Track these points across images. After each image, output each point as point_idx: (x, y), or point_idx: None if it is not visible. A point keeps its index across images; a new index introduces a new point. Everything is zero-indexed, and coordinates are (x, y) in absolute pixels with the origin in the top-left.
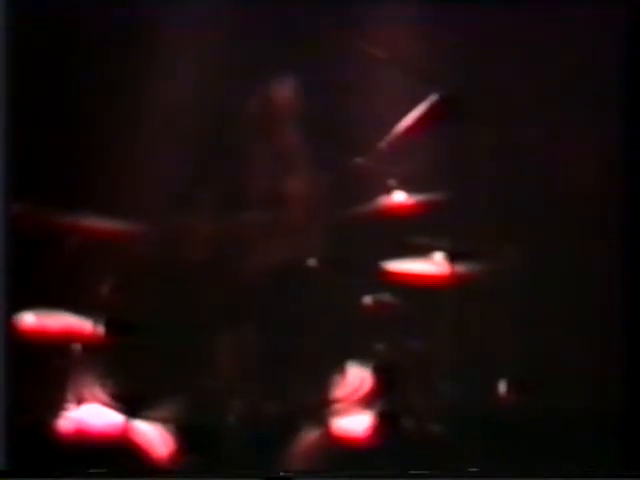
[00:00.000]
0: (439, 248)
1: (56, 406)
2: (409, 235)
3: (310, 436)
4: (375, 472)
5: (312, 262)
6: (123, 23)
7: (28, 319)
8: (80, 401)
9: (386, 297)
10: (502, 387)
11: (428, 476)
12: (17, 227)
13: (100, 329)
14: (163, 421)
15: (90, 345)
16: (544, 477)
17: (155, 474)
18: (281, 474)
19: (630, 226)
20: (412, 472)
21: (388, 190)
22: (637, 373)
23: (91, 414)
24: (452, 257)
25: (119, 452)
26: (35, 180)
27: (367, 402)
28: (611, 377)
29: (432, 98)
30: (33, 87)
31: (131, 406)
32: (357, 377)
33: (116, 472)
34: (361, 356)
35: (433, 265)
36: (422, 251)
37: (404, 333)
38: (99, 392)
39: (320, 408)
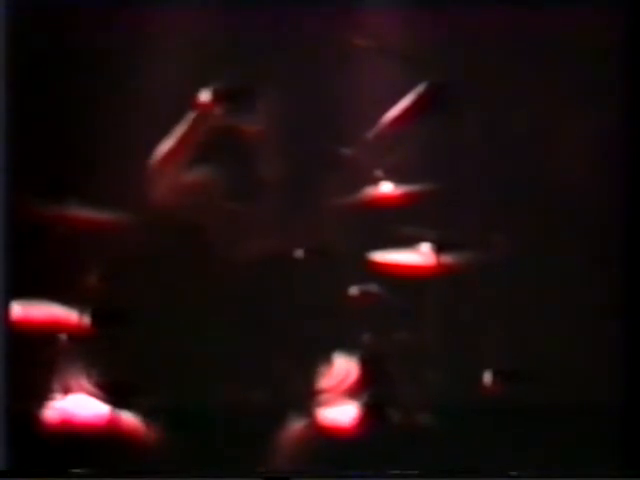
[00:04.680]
0: (426, 239)
1: (42, 397)
2: (396, 225)
3: (296, 426)
4: (374, 471)
5: (298, 253)
6: (118, 24)
7: (14, 310)
8: (66, 391)
9: (373, 288)
10: (488, 378)
11: (427, 475)
12: (14, 219)
13: (86, 319)
14: (149, 411)
15: (76, 335)
16: (540, 476)
17: (155, 474)
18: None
19: (622, 214)
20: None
21: (375, 180)
22: (633, 364)
23: (77, 404)
24: (439, 248)
25: (105, 443)
26: (24, 171)
27: (353, 393)
28: (605, 369)
29: (420, 88)
30: (29, 86)
31: (117, 396)
32: (343, 368)
33: (114, 472)
34: (347, 347)
35: (420, 256)
36: (409, 242)
37: (391, 324)
38: (85, 382)
39: (306, 398)
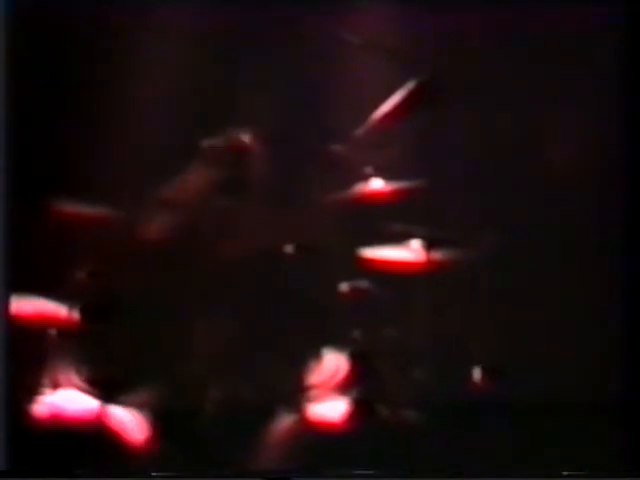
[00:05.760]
0: (416, 235)
1: (31, 391)
2: (386, 222)
3: (285, 422)
4: (375, 472)
5: (289, 249)
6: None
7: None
8: (56, 386)
9: (363, 284)
10: (477, 375)
11: (430, 475)
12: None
13: (76, 314)
14: (139, 406)
15: (66, 331)
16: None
17: (148, 472)
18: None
19: (615, 210)
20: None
21: (365, 177)
22: (624, 362)
23: (67, 399)
24: (429, 244)
25: (94, 438)
26: (16, 169)
27: (343, 389)
28: (597, 366)
29: (409, 85)
30: (26, 88)
31: (107, 391)
32: (333, 364)
33: (113, 473)
34: (337, 342)
35: (410, 252)
36: (399, 238)
37: (380, 320)
38: (75, 377)
39: (296, 394)
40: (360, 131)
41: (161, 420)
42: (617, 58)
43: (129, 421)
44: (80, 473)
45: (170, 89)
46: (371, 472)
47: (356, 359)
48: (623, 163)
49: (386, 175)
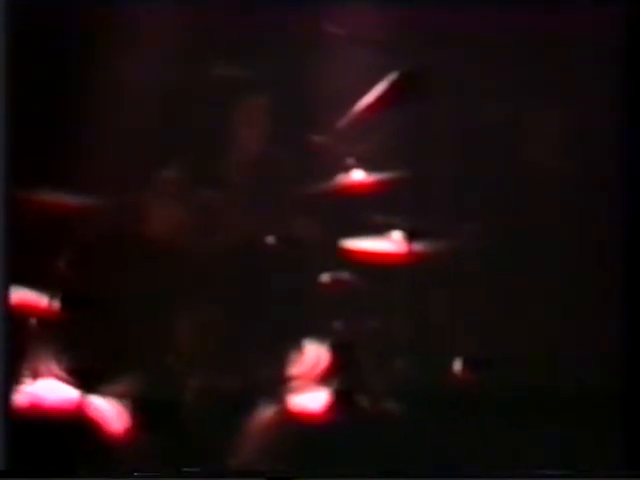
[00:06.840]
0: (397, 226)
1: (11, 381)
2: (368, 213)
3: (267, 413)
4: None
5: (270, 240)
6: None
7: None
8: (36, 376)
9: (344, 275)
10: (458, 366)
11: (429, 475)
12: None
13: (56, 304)
14: (119, 396)
15: (46, 320)
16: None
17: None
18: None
19: (598, 199)
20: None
21: (347, 168)
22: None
23: (46, 389)
24: (410, 235)
25: (74, 428)
26: None
27: (324, 379)
28: (581, 358)
29: (392, 76)
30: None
31: (87, 381)
32: (314, 355)
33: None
34: (318, 333)
35: (391, 243)
36: (380, 229)
37: (362, 311)
38: (55, 367)
39: (277, 385)
40: (342, 122)
41: (142, 410)
42: (617, 58)
43: (109, 411)
44: (79, 473)
45: (160, 86)
46: (371, 472)
47: (337, 350)
48: (614, 157)
49: (368, 166)
